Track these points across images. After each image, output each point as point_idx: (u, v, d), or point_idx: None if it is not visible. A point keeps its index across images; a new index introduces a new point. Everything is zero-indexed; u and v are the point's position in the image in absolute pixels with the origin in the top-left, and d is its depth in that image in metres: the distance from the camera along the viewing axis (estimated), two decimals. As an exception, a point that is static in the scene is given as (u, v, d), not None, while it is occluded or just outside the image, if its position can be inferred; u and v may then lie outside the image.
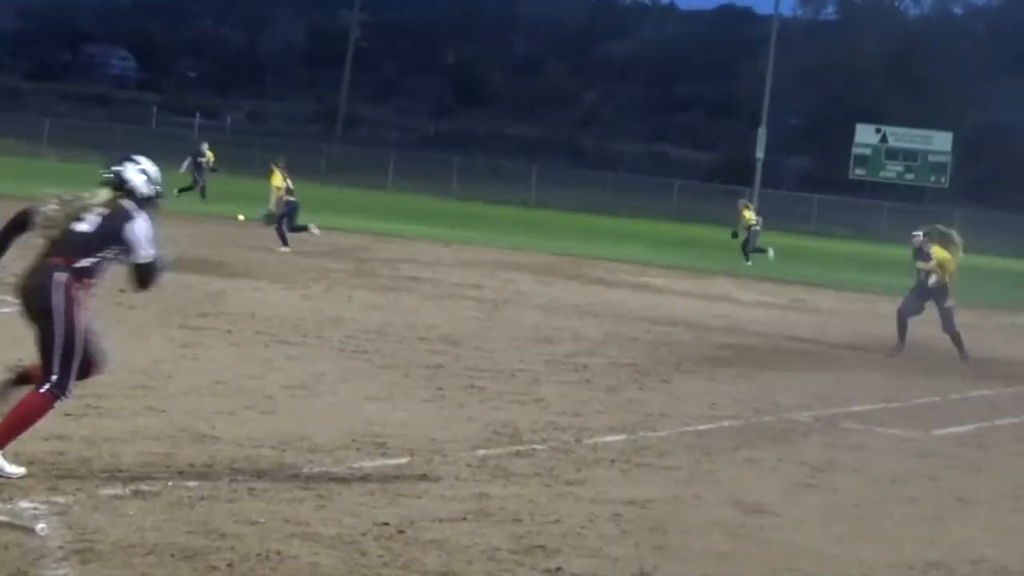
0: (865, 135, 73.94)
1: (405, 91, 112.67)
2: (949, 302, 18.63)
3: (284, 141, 67.89)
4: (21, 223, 8.09)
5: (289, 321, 15.67)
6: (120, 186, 8.09)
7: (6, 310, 14.42)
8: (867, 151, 73.54)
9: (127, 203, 8.01)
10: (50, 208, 7.99)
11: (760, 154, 68.96)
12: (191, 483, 7.94)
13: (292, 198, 26.92)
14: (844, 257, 45.07)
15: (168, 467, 8.27)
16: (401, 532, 7.36)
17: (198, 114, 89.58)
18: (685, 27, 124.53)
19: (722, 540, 7.86)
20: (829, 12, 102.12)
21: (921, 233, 19.26)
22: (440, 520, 7.68)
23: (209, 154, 40.26)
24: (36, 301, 7.82)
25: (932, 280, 18.69)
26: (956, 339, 18.56)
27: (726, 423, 11.79)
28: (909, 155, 73.04)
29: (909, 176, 73.20)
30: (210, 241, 26.39)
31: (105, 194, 8.06)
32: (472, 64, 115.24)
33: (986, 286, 35.39)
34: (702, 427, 11.47)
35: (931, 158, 72.67)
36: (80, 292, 7.82)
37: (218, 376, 11.52)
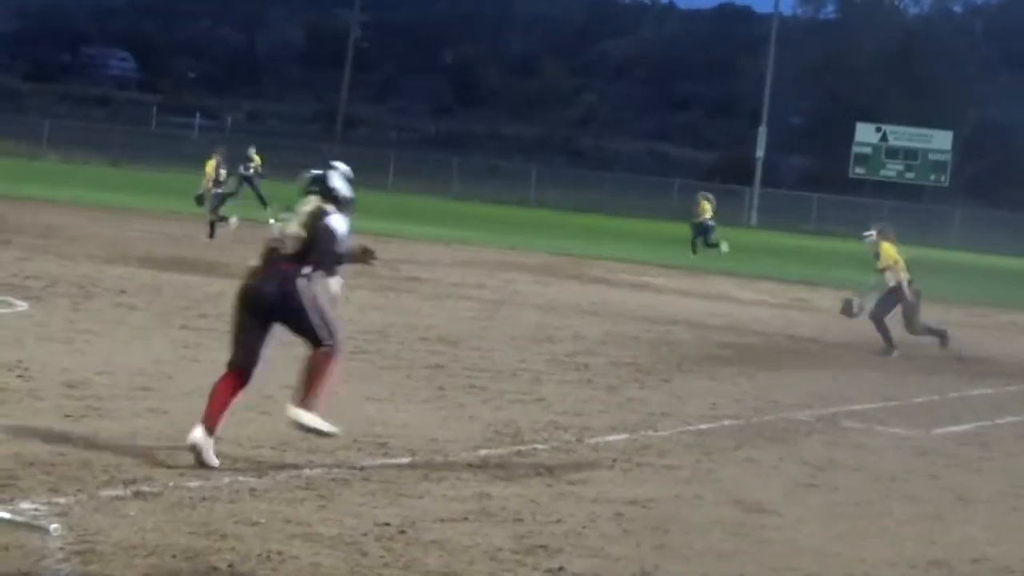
0: (865, 134, 73.89)
1: (404, 91, 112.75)
2: (908, 301, 18.29)
3: (284, 141, 67.97)
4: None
5: (289, 321, 15.64)
6: (326, 192, 8.91)
7: (5, 311, 14.43)
8: (867, 150, 73.50)
9: (327, 206, 8.86)
10: (286, 225, 8.86)
11: (760, 153, 68.95)
12: (192, 484, 7.95)
13: (219, 190, 27.47)
14: (844, 256, 44.97)
15: (169, 468, 8.27)
16: (402, 532, 7.36)
17: (198, 114, 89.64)
18: (684, 26, 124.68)
19: (723, 539, 7.86)
20: (829, 11, 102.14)
21: (874, 232, 19.03)
22: (441, 520, 7.68)
23: (256, 159, 38.77)
24: (283, 310, 8.79)
25: (890, 279, 18.45)
26: (930, 332, 18.29)
27: (727, 422, 11.79)
28: (909, 154, 73.00)
29: (909, 175, 73.15)
30: (210, 242, 26.39)
31: (315, 201, 8.88)
32: (471, 64, 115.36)
33: (986, 284, 35.42)
34: (703, 426, 11.47)
35: (931, 157, 72.62)
36: (309, 285, 8.82)
37: (219, 377, 11.50)
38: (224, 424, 8.68)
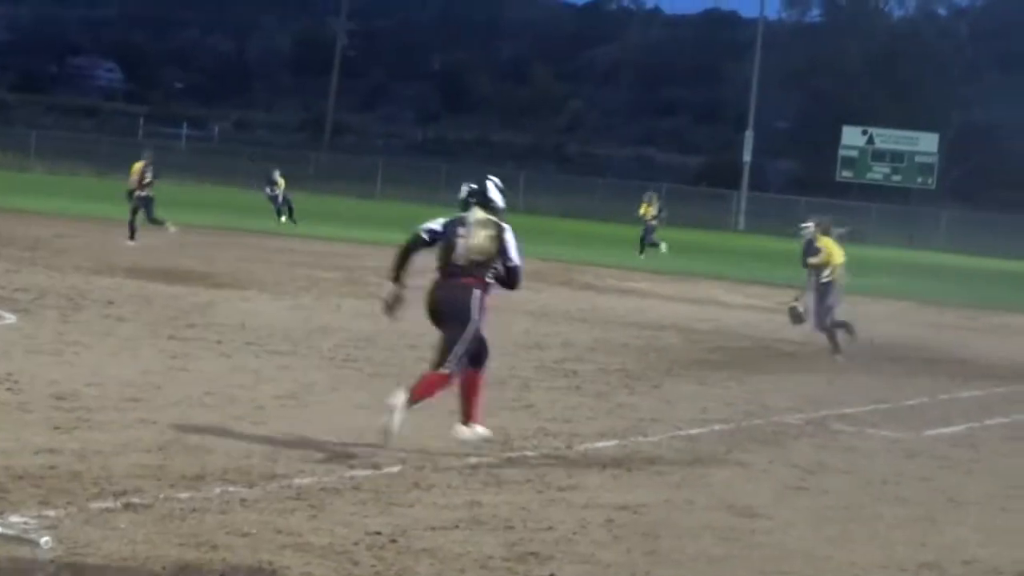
0: (851, 137, 74.05)
1: (392, 98, 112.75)
2: (831, 299, 17.88)
3: (272, 150, 67.95)
4: (415, 246, 9.80)
5: (279, 331, 15.66)
6: (485, 203, 9.66)
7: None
8: (854, 153, 73.67)
9: (496, 219, 9.62)
10: (460, 239, 9.59)
11: (747, 157, 69.07)
12: (182, 495, 7.93)
13: (143, 193, 27.71)
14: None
15: (159, 479, 8.25)
16: (393, 541, 7.36)
17: (185, 124, 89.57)
18: (670, 31, 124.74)
19: (714, 544, 7.87)
20: (814, 15, 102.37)
21: (812, 224, 18.80)
22: (432, 528, 7.68)
23: (281, 181, 39.39)
24: (457, 313, 9.54)
25: (825, 274, 17.97)
26: (831, 336, 17.87)
27: (717, 427, 11.80)
28: (896, 156, 73.15)
29: (896, 178, 73.30)
30: (197, 251, 26.36)
31: (481, 213, 9.63)
32: (459, 71, 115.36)
33: (974, 286, 35.50)
34: (693, 431, 11.48)
35: (918, 159, 72.78)
36: (487, 302, 9.57)
37: (208, 387, 11.51)
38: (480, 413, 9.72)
